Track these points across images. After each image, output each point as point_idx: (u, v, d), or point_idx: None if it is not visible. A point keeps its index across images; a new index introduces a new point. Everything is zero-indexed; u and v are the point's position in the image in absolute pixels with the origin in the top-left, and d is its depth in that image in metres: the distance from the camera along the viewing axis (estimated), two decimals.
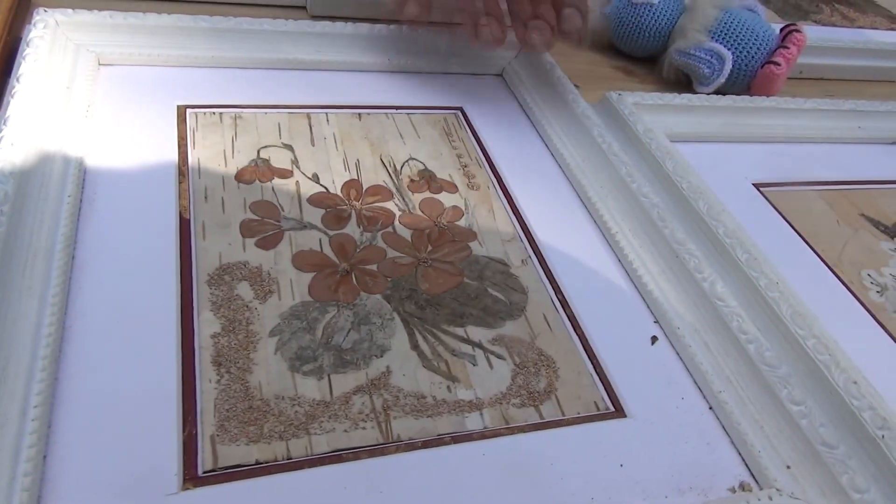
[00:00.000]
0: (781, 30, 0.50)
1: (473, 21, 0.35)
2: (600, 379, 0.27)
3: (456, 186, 0.35)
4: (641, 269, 0.31)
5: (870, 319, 0.32)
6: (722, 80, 0.48)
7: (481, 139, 0.38)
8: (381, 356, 0.26)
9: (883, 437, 0.25)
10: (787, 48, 0.49)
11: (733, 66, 0.48)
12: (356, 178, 0.34)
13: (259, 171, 0.33)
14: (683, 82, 0.50)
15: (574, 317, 0.29)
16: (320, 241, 0.30)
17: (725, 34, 0.49)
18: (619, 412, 0.26)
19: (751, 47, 0.48)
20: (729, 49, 0.48)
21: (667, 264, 0.32)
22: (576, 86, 0.41)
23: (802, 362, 0.28)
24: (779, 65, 0.48)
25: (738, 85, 0.49)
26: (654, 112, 0.41)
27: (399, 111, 0.39)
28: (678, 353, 0.29)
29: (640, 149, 0.38)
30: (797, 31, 0.50)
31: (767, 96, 0.47)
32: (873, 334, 0.32)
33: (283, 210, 0.31)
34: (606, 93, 0.41)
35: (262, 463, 0.22)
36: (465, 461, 0.23)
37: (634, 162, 0.37)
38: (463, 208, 0.34)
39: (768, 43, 0.49)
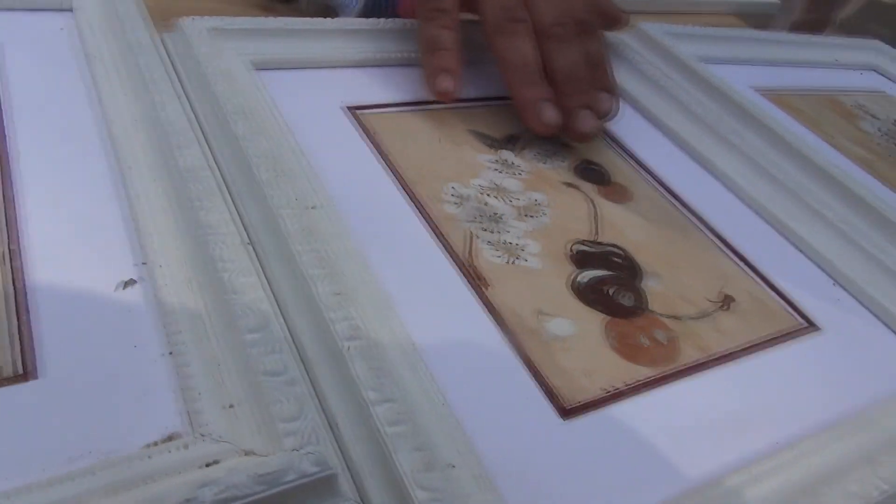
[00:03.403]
0: None
1: (532, 104, 0.36)
2: (21, 339, 0.22)
3: None
4: (141, 205, 0.26)
5: (426, 233, 0.30)
6: (359, 6, 0.45)
7: (6, 79, 0.32)
8: None
9: (349, 348, 0.22)
10: None
11: None
12: None
13: None
14: (332, 17, 0.46)
15: (20, 270, 0.24)
16: None
17: None
18: (25, 377, 0.21)
19: None
20: None
21: (177, 198, 0.27)
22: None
23: (295, 280, 0.24)
24: None
25: (385, 13, 0.46)
26: (240, 38, 0.36)
27: None
28: (155, 295, 0.24)
29: (199, 75, 0.33)
30: None
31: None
32: (424, 247, 0.29)
33: None
34: (180, 19, 0.36)
35: None
36: None
37: (195, 91, 0.33)
38: None
39: None
